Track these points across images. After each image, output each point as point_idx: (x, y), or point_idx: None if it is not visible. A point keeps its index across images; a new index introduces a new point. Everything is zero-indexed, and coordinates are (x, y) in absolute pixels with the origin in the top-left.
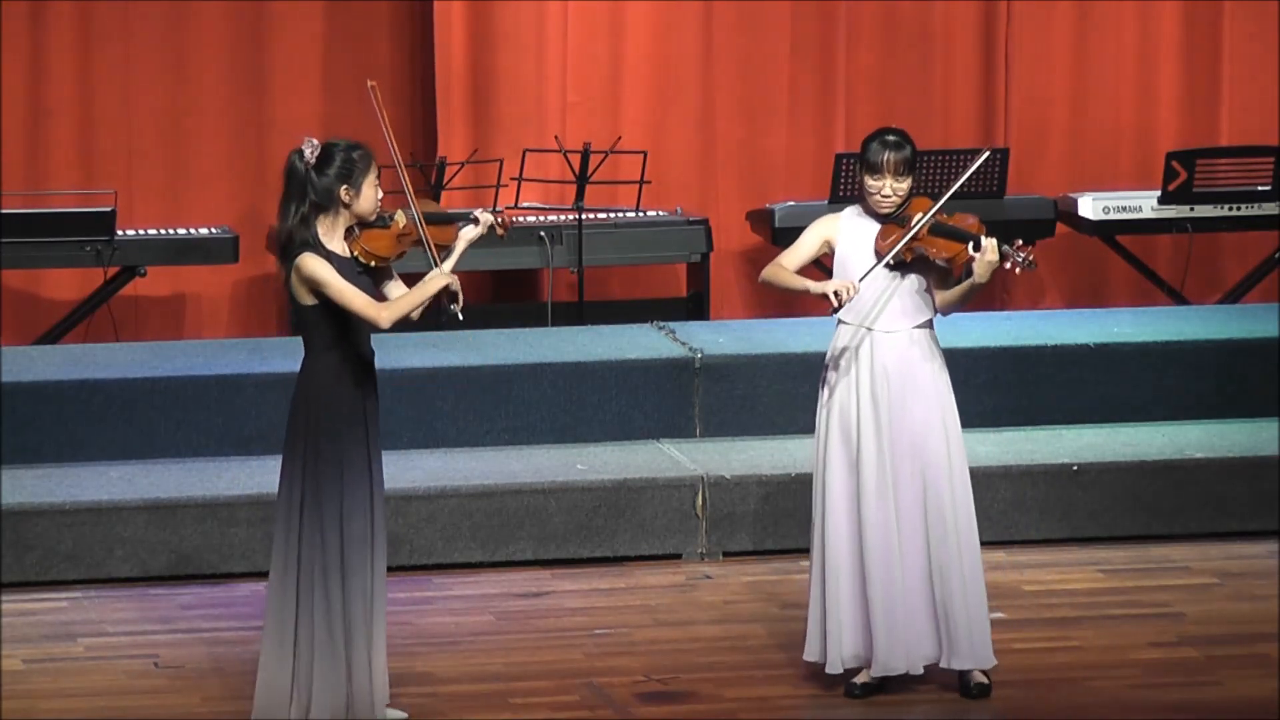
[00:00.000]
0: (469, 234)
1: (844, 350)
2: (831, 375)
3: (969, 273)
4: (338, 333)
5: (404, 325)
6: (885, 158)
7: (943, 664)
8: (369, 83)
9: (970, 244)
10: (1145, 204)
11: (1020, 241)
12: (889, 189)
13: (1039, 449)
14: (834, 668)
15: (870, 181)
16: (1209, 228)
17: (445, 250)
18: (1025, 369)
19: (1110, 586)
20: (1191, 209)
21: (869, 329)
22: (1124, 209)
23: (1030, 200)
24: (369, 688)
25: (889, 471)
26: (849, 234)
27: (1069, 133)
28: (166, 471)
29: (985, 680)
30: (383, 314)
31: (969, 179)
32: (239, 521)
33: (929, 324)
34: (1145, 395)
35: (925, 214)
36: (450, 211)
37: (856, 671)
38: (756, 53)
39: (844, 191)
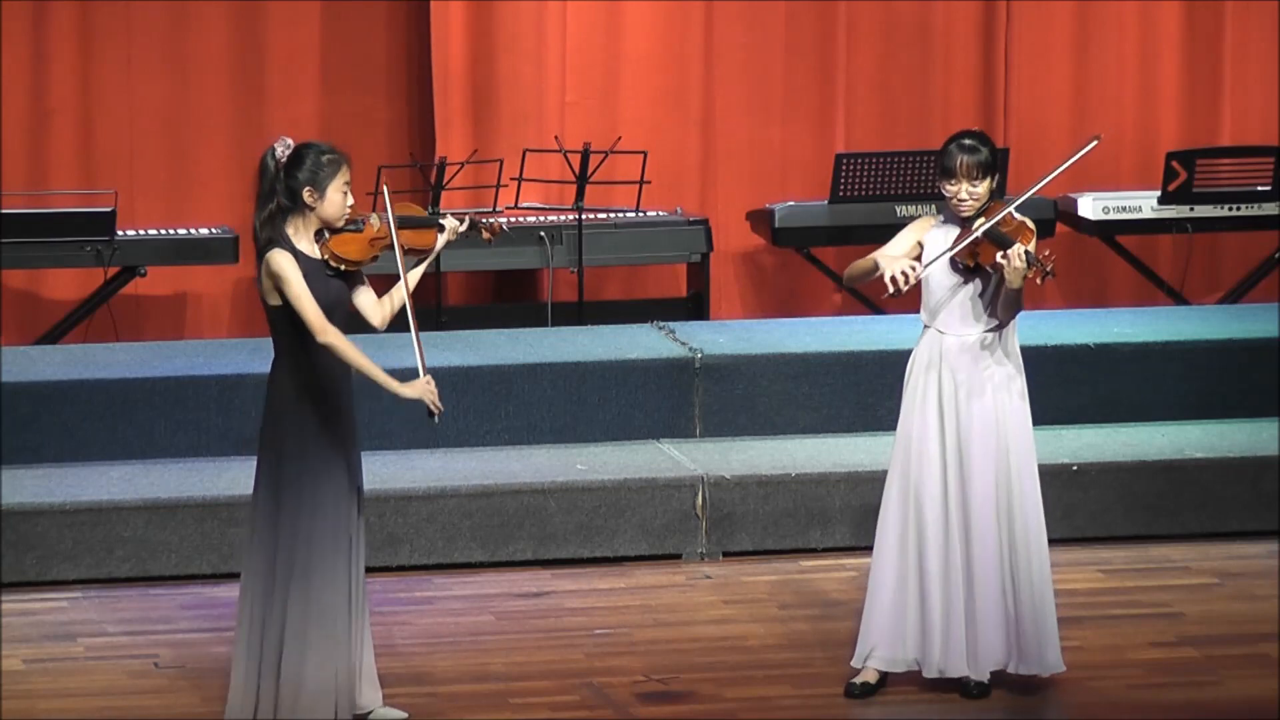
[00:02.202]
0: (438, 242)
1: (921, 353)
2: (908, 376)
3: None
4: (304, 334)
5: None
6: (958, 162)
7: (1010, 669)
8: (383, 185)
9: (1005, 249)
10: (1145, 204)
11: (1048, 252)
12: (964, 192)
13: (1039, 449)
14: (857, 661)
15: (946, 186)
16: (1209, 228)
17: (422, 254)
18: (1026, 369)
19: (1110, 586)
20: (1191, 209)
21: (941, 332)
22: (1124, 209)
23: (1030, 200)
24: (332, 686)
25: (956, 476)
26: (933, 239)
27: (1069, 133)
28: (166, 471)
29: (985, 680)
30: (329, 335)
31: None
32: (239, 521)
33: (999, 327)
34: (1145, 395)
35: (988, 220)
36: (429, 216)
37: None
38: (756, 53)
39: (844, 191)
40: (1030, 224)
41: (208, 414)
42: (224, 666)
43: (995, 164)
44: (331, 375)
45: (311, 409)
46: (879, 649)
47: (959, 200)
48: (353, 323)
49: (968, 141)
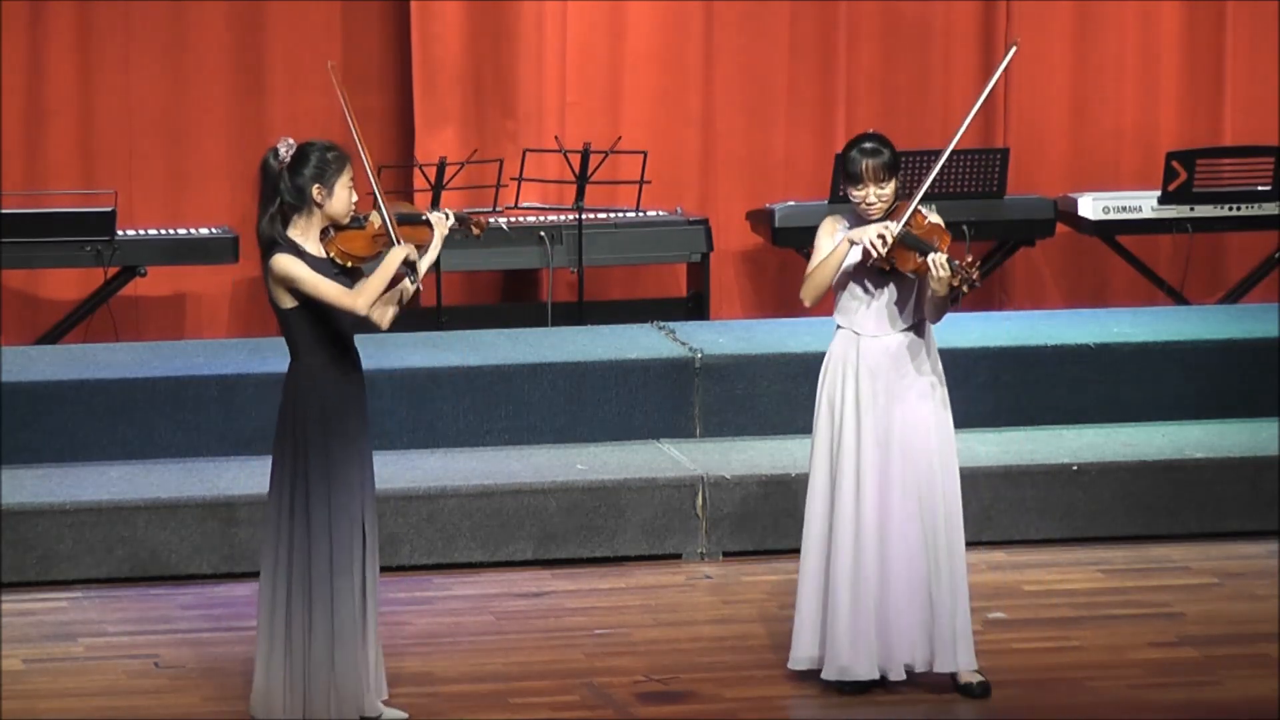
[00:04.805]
0: (435, 237)
1: (836, 354)
2: (824, 378)
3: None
4: (320, 335)
5: (378, 331)
6: (863, 166)
7: (935, 667)
8: (329, 63)
9: (925, 257)
10: (1145, 204)
11: (970, 258)
12: (872, 195)
13: (1039, 449)
14: (795, 664)
15: (853, 191)
16: (1209, 228)
17: (421, 250)
18: (1025, 369)
19: (1110, 586)
20: (1192, 209)
21: (857, 333)
22: (1124, 209)
23: (1030, 200)
24: (359, 687)
25: (873, 477)
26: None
27: (1069, 133)
28: (166, 471)
29: (985, 680)
30: (358, 300)
31: (969, 179)
32: (239, 521)
33: (918, 328)
34: (1145, 395)
35: (898, 221)
36: (419, 213)
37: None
38: (756, 53)
39: (844, 191)
40: (942, 224)
41: (208, 414)
42: (224, 666)
43: (898, 163)
44: (352, 373)
45: (334, 410)
46: (809, 650)
47: (867, 204)
48: (357, 323)
49: (868, 145)
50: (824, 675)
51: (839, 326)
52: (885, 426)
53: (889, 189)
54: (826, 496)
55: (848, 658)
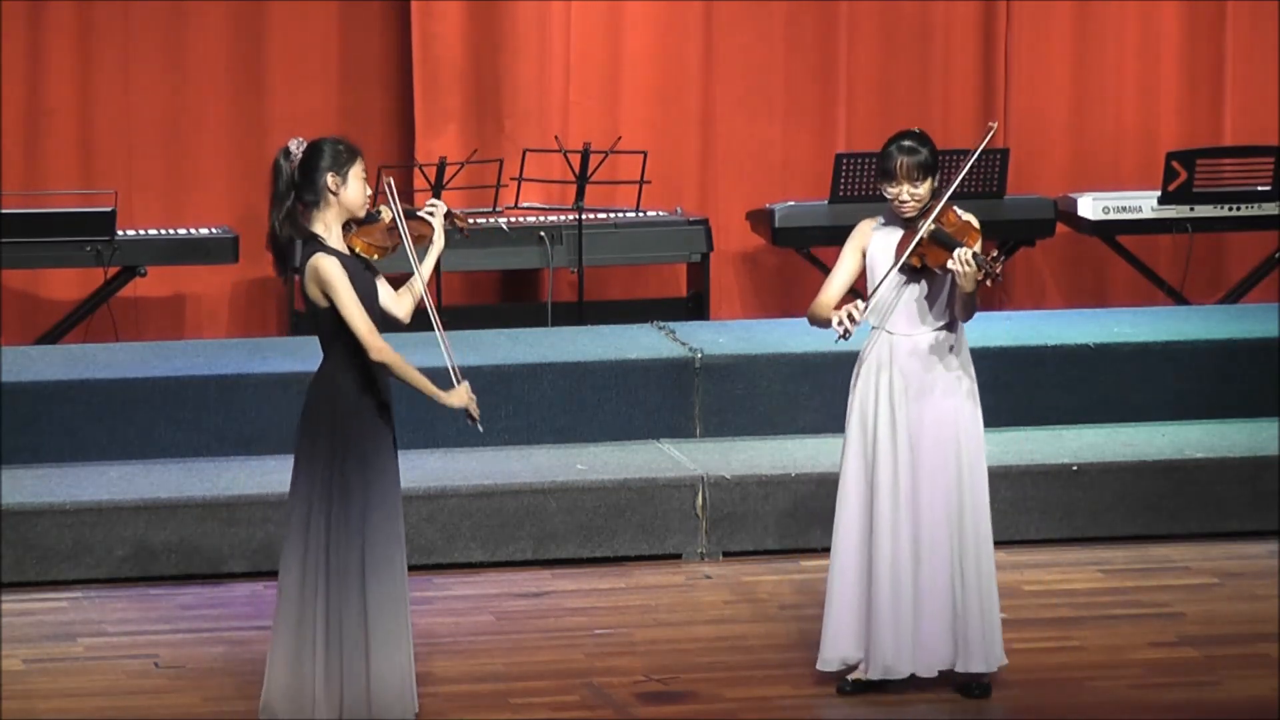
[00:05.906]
0: (436, 230)
1: (869, 353)
2: (857, 377)
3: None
4: (354, 336)
5: (398, 325)
6: (898, 163)
7: (958, 668)
8: (387, 179)
9: (952, 253)
10: (1145, 204)
11: (995, 253)
12: (905, 194)
13: (1039, 449)
14: (827, 665)
15: (887, 188)
16: (1209, 228)
17: (424, 242)
18: (1025, 369)
19: (1110, 586)
20: (1192, 209)
21: (889, 332)
22: (1124, 209)
23: (1030, 200)
24: (398, 690)
25: (907, 474)
26: (877, 242)
27: (1069, 133)
28: (166, 471)
29: (985, 680)
30: (385, 354)
31: (969, 179)
32: (239, 521)
33: (950, 327)
34: (1145, 395)
35: (927, 220)
36: (416, 210)
37: (851, 669)
38: (756, 53)
39: (844, 191)
40: (975, 222)
41: (207, 414)
42: (224, 666)
43: (935, 164)
44: (380, 377)
45: (371, 411)
46: (846, 650)
47: (900, 202)
48: (384, 320)
49: (907, 143)
50: (869, 675)
51: (872, 326)
52: (916, 424)
53: (923, 188)
54: (863, 498)
55: (892, 657)
